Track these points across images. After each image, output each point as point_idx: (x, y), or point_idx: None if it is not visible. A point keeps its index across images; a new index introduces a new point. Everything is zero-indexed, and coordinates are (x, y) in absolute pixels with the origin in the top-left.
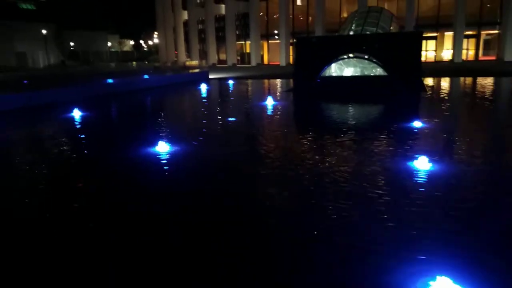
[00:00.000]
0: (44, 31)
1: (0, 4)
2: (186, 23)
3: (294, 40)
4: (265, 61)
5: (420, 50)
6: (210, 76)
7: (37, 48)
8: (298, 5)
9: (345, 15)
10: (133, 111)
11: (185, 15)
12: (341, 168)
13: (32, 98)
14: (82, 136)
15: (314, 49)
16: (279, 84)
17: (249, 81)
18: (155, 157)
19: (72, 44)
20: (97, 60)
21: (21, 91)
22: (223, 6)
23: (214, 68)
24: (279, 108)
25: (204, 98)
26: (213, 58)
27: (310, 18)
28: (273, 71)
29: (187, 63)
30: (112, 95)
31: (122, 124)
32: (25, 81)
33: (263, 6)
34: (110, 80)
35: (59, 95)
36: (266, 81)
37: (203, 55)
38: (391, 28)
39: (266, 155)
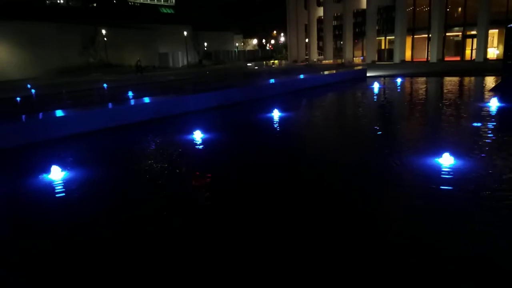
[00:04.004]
0: (185, 33)
1: (145, 9)
2: (319, 20)
3: (508, 27)
4: (407, 57)
5: None
6: (367, 74)
7: (176, 49)
8: None
9: None
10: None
11: (319, 12)
12: None
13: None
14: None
15: None
16: (465, 81)
17: (420, 79)
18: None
19: (206, 44)
20: (227, 60)
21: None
22: (361, 0)
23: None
24: None
25: (401, 98)
26: (349, 55)
27: (462, 9)
28: (430, 68)
29: (323, 61)
30: (284, 95)
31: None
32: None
33: None
34: (272, 80)
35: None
36: (446, 78)
37: (336, 52)
38: None
39: None
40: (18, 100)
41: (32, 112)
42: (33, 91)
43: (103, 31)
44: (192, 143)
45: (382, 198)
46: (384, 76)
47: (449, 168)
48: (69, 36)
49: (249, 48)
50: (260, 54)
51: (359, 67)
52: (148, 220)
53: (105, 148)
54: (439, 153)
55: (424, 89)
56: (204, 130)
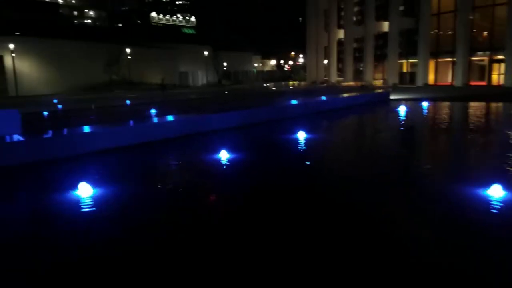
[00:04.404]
0: (206, 53)
1: (167, 29)
2: (339, 42)
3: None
4: (430, 81)
5: None
6: (390, 97)
7: (196, 68)
8: (477, 19)
9: None
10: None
11: (339, 34)
12: None
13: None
14: None
15: None
16: (498, 107)
17: (448, 103)
18: None
19: (225, 64)
20: (246, 80)
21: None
22: (383, 23)
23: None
24: None
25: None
26: (369, 77)
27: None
28: (456, 92)
29: (342, 83)
30: (307, 116)
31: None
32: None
33: (434, 21)
34: (293, 102)
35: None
36: (477, 103)
37: (356, 74)
38: None
39: None
40: (56, 114)
41: (62, 127)
42: (59, 106)
43: (127, 50)
44: (219, 161)
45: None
46: (410, 100)
47: (499, 201)
48: (94, 54)
49: (267, 68)
50: (278, 74)
51: (382, 90)
52: (178, 238)
53: (135, 164)
54: (486, 184)
55: (456, 114)
56: (230, 149)
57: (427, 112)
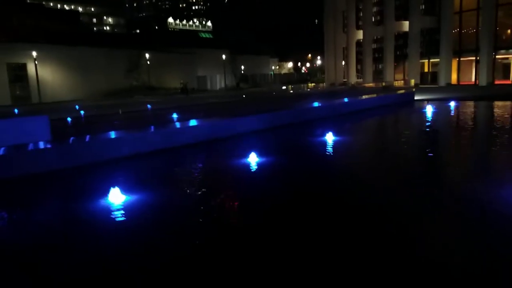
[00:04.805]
0: (223, 56)
1: (184, 34)
2: (357, 43)
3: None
4: (453, 80)
5: None
6: (415, 98)
7: (214, 72)
8: (500, 16)
9: None
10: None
11: (358, 35)
12: None
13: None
14: None
15: None
16: None
17: (476, 103)
18: None
19: (242, 67)
20: (263, 83)
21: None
22: (403, 22)
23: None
24: None
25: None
26: (390, 78)
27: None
28: (481, 92)
29: (363, 84)
30: (332, 118)
31: None
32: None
33: (456, 19)
34: (316, 104)
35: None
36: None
37: (376, 75)
38: None
39: None
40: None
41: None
42: (82, 112)
43: (146, 55)
44: (249, 166)
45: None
46: (435, 100)
47: None
48: (114, 60)
49: (284, 71)
50: (296, 77)
51: (406, 90)
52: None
53: (163, 170)
54: None
55: (490, 114)
56: (259, 153)
57: (459, 112)
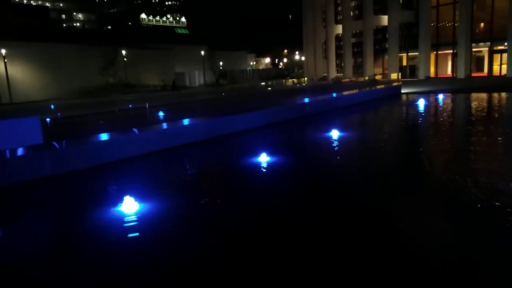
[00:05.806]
0: (202, 52)
1: (160, 30)
2: (337, 38)
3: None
4: (431, 73)
5: None
6: (401, 91)
7: (192, 68)
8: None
9: None
10: None
11: (337, 29)
12: None
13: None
14: None
15: None
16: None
17: (463, 95)
18: None
19: (221, 63)
20: (242, 79)
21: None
22: (382, 17)
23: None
24: None
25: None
26: (369, 72)
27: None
28: (461, 84)
29: (343, 79)
30: (323, 113)
31: None
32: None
33: (433, 13)
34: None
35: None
36: (492, 94)
37: (355, 69)
38: None
39: None
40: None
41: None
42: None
43: (123, 52)
44: (258, 165)
45: None
46: (421, 93)
47: None
48: (88, 57)
49: (262, 67)
50: (274, 72)
51: (394, 84)
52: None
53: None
54: None
55: (482, 105)
56: (275, 149)
57: (451, 105)
